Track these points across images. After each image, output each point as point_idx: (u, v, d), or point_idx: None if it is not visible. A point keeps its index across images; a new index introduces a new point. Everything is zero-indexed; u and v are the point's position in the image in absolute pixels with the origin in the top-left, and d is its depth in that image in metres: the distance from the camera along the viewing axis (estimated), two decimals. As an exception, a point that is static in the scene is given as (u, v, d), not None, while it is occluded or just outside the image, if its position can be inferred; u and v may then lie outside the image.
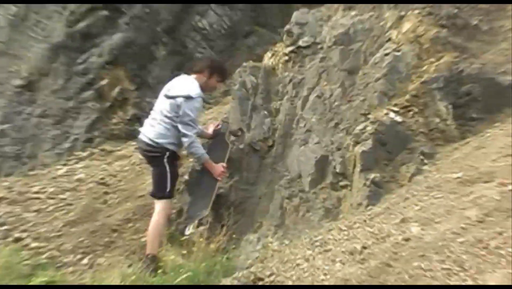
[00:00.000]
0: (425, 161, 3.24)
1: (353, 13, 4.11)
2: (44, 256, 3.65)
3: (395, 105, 3.53)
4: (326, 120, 3.76)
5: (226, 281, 2.88)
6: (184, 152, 4.07)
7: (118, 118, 5.57)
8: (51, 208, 4.23)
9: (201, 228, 3.64)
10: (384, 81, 3.65)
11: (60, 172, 4.80)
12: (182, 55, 6.09)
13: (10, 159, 5.30)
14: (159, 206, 3.60)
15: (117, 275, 3.08)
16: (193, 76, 3.86)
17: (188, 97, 3.68)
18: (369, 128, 3.41)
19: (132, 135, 5.00)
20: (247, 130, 4.09)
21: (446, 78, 3.43)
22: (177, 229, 3.81)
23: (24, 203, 4.27)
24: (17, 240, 3.81)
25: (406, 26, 3.77)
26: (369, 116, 3.52)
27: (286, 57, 4.33)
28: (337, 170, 3.46)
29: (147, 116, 3.89)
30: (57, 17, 5.62)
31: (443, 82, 3.43)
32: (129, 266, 3.39)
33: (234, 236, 3.54)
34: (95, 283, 3.12)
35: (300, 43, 4.31)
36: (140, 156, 4.19)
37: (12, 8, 5.69)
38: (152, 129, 3.75)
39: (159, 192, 3.67)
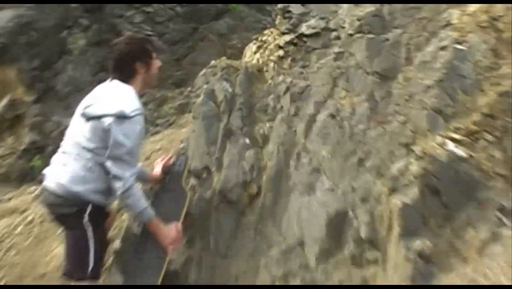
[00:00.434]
0: (505, 221, 2.76)
1: (389, -18, 3.87)
2: None
3: (457, 130, 3.07)
4: (345, 154, 3.38)
5: None
6: (116, 205, 3.75)
7: (6, 148, 4.88)
8: None
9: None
10: (438, 92, 3.20)
11: None
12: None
13: None
14: (78, 293, 3.20)
15: None
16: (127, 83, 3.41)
17: (121, 116, 3.14)
18: (413, 167, 3.01)
19: (30, 177, 4.70)
20: (217, 170, 3.66)
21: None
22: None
23: None
24: None
25: (475, 4, 3.40)
26: (414, 148, 3.12)
27: (281, 52, 4.06)
28: (362, 235, 3.03)
29: (55, 148, 3.46)
30: None
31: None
32: None
33: None
34: None
35: (303, 29, 3.96)
36: (46, 212, 3.76)
37: None
38: (64, 170, 3.24)
39: (78, 270, 3.16)
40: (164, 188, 3.69)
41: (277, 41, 4.10)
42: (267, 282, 3.19)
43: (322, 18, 3.93)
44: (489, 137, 2.96)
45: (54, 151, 3.43)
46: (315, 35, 3.89)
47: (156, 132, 5.10)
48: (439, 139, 3.01)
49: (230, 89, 3.93)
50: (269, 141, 3.72)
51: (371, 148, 3.26)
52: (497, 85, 3.07)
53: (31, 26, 5.03)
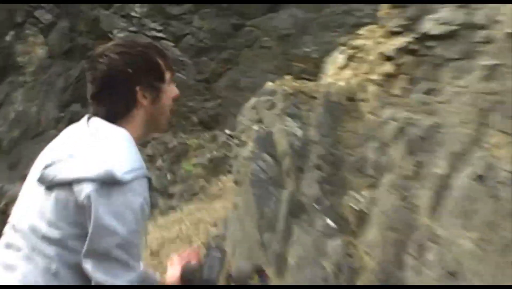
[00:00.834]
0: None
1: None
2: None
3: None
4: (502, 245, 2.34)
5: None
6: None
7: None
8: None
9: None
10: None
11: None
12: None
13: None
14: None
15: None
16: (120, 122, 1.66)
17: (108, 182, 1.39)
18: None
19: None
20: (277, 273, 2.91)
21: None
22: None
23: None
24: None
25: None
26: None
27: (389, 67, 3.11)
28: None
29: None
30: None
31: None
32: None
33: None
34: None
35: (428, 26, 2.90)
36: None
37: None
38: (9, 277, 1.60)
39: None
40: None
41: (381, 48, 3.27)
42: None
43: (461, 7, 2.86)
44: None
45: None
46: (449, 36, 2.87)
47: (170, 209, 4.11)
48: None
49: (300, 133, 3.20)
50: (368, 223, 2.90)
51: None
52: None
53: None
